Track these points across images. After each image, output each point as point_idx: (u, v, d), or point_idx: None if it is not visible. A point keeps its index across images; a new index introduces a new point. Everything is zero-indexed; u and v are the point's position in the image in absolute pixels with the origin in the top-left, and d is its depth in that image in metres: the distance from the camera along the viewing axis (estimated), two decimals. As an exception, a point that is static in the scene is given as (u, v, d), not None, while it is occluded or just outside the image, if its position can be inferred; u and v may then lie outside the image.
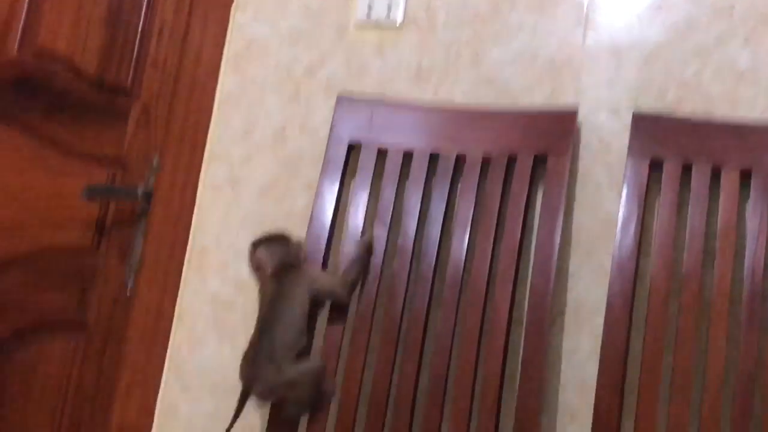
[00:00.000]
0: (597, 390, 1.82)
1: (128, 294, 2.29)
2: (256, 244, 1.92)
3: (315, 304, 1.94)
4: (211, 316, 2.18)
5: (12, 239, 2.41)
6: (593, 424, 1.81)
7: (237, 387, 1.89)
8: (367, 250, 2.01)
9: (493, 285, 1.94)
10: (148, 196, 2.31)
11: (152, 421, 2.17)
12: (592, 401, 1.82)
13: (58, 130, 2.46)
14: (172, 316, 2.22)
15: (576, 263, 2.01)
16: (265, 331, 1.86)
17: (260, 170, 2.26)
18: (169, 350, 2.21)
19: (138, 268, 2.28)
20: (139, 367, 2.21)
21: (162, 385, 2.19)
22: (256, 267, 1.91)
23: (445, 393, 1.90)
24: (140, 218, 2.34)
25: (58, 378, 2.31)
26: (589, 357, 1.95)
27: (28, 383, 2.31)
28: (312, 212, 2.09)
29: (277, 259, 1.91)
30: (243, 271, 2.19)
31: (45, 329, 2.34)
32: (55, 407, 2.29)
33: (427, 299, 1.97)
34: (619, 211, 1.92)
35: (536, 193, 2.03)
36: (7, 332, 2.35)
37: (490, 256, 1.96)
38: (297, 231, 2.16)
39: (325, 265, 2.04)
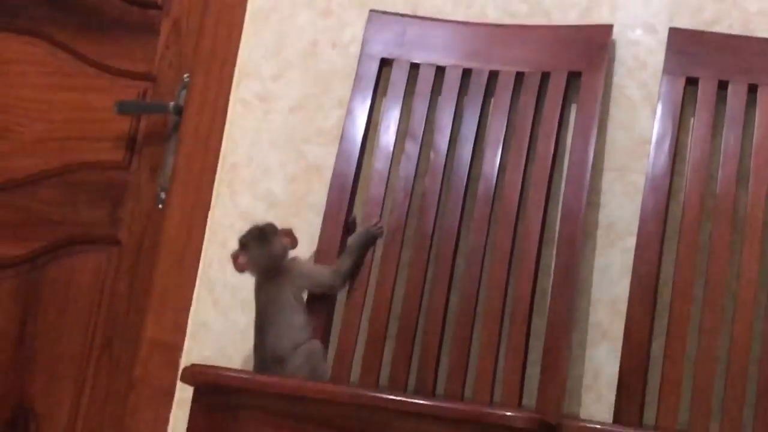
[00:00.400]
0: (628, 309, 1.82)
1: (160, 210, 2.29)
2: (240, 246, 1.90)
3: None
4: (243, 232, 2.19)
5: (43, 155, 2.42)
6: (624, 342, 1.81)
7: (268, 303, 1.90)
8: (368, 240, 1.98)
9: (525, 203, 1.94)
10: (179, 112, 2.31)
11: (184, 336, 2.19)
12: (623, 320, 1.82)
13: (88, 46, 2.45)
14: (204, 232, 2.22)
15: (609, 181, 2.00)
16: (263, 338, 1.85)
17: (291, 87, 2.24)
18: (200, 266, 2.22)
19: (169, 185, 2.28)
20: (170, 283, 2.22)
21: (194, 300, 2.20)
22: (242, 271, 1.90)
23: (475, 310, 1.91)
24: (171, 134, 2.33)
25: (91, 293, 2.32)
26: (620, 275, 1.94)
27: (62, 298, 2.33)
28: (343, 129, 2.08)
29: (259, 268, 1.89)
30: (274, 187, 2.19)
31: (77, 244, 2.35)
32: (88, 322, 2.31)
33: (458, 217, 1.96)
34: (653, 129, 1.90)
35: (569, 111, 2.01)
36: (41, 247, 2.37)
37: (522, 174, 1.95)
38: (328, 149, 2.15)
39: (356, 181, 2.04)
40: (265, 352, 1.85)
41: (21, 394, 2.30)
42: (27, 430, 2.28)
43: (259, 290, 1.91)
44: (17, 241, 2.37)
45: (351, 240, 1.98)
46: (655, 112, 1.91)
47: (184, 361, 2.17)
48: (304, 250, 2.03)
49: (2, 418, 2.30)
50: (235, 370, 1.82)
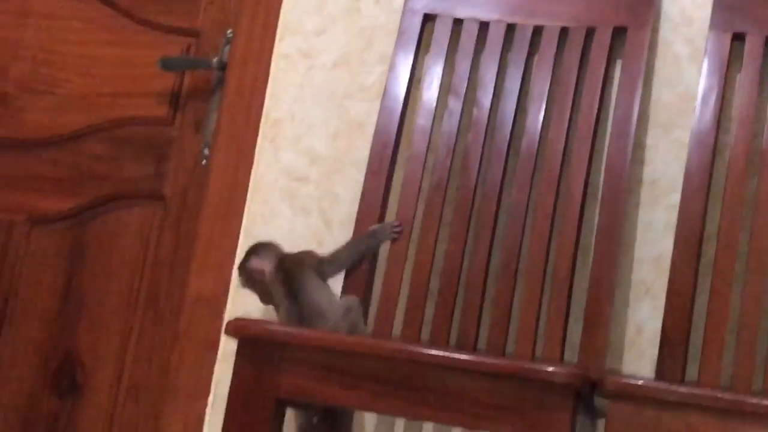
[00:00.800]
0: (672, 265, 1.82)
1: (203, 165, 2.31)
2: (246, 258, 1.92)
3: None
4: (285, 188, 2.19)
5: (88, 110, 2.43)
6: (667, 299, 1.80)
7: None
8: (376, 243, 1.97)
9: (569, 159, 1.93)
10: (223, 68, 2.31)
11: (228, 290, 2.20)
12: (667, 277, 1.82)
13: (133, 1, 2.46)
14: (247, 187, 2.23)
15: (653, 138, 1.98)
16: (299, 300, 1.85)
17: (334, 42, 2.24)
18: (243, 222, 2.23)
19: (213, 140, 2.29)
20: (214, 238, 2.23)
21: (237, 255, 2.22)
22: (250, 278, 1.92)
23: (518, 266, 1.91)
24: (215, 90, 2.34)
25: (136, 248, 2.34)
26: (664, 232, 1.93)
27: (107, 252, 2.36)
28: (385, 85, 2.07)
29: (274, 258, 1.91)
30: (316, 144, 2.20)
31: (122, 199, 2.37)
32: (133, 276, 2.34)
33: (501, 173, 1.96)
34: (699, 86, 1.88)
35: (614, 67, 1.99)
36: (86, 202, 2.39)
37: (566, 130, 1.94)
38: (370, 105, 2.15)
39: (398, 137, 2.04)
40: (302, 311, 1.85)
41: (68, 346, 2.33)
42: (74, 380, 2.31)
43: (276, 287, 1.90)
44: (63, 196, 2.40)
45: (358, 238, 1.97)
46: (701, 68, 1.89)
47: (228, 315, 2.19)
48: (348, 206, 2.04)
49: (51, 367, 2.33)
50: (279, 324, 1.84)
